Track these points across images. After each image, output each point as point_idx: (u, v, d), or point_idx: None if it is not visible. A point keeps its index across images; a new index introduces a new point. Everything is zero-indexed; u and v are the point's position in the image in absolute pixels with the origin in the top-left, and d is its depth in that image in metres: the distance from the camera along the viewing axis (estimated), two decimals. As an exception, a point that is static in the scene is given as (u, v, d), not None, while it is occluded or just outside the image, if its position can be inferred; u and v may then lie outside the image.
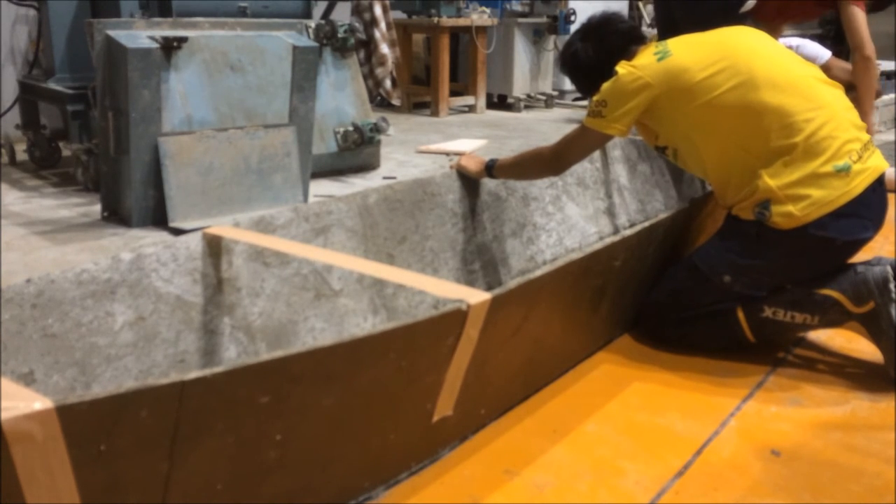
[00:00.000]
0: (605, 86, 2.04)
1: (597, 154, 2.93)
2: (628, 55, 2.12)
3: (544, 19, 6.79)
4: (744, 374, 1.97)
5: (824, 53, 4.30)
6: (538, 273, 1.61)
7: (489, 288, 1.66)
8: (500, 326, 1.55)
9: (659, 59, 2.00)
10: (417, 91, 6.62)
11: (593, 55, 2.18)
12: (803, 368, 2.02)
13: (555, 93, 7.07)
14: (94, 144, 3.49)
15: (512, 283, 1.52)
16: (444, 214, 2.36)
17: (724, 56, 1.97)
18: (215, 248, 1.80)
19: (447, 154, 4.68)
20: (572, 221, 2.76)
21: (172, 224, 3.07)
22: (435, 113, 6.30)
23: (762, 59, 1.98)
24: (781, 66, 2.00)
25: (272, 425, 1.19)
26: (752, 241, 1.96)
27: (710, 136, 1.99)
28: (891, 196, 2.06)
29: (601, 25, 2.21)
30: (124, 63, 2.92)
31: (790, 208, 1.89)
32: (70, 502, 0.99)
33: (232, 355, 1.79)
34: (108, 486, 1.03)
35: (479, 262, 2.45)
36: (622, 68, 2.02)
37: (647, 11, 7.75)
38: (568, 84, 7.45)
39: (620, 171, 3.04)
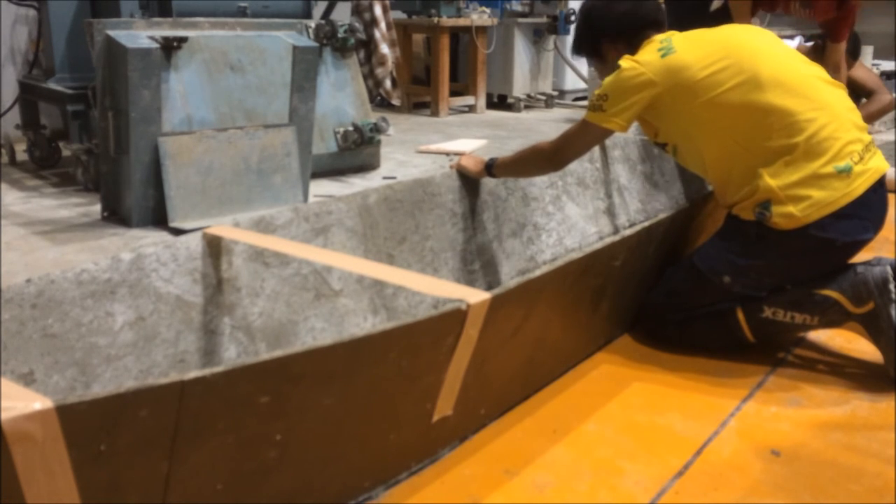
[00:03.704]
0: (607, 80, 2.03)
1: (597, 154, 2.93)
2: (641, 38, 2.12)
3: (544, 19, 6.78)
4: (744, 374, 1.97)
5: None
6: (538, 273, 1.61)
7: (489, 288, 1.66)
8: (500, 326, 1.55)
9: (663, 56, 1.99)
10: (417, 91, 6.61)
11: (616, 16, 2.16)
12: (803, 368, 2.02)
13: (555, 93, 7.07)
14: (94, 144, 3.49)
15: (512, 283, 1.52)
16: (444, 214, 2.36)
17: (728, 54, 1.96)
18: (215, 248, 1.80)
19: (447, 154, 4.68)
20: (572, 221, 2.76)
21: (172, 224, 3.07)
22: (435, 113, 6.30)
23: (767, 58, 1.98)
24: (786, 65, 1.99)
25: (272, 425, 1.19)
26: (752, 241, 1.96)
27: (712, 134, 1.99)
28: (891, 197, 2.06)
29: None
30: (124, 63, 2.92)
31: (791, 209, 1.89)
32: (70, 502, 0.99)
33: (232, 355, 1.79)
34: (108, 486, 1.03)
35: (479, 262, 2.45)
36: (625, 62, 2.01)
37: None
38: (568, 84, 7.39)
39: (620, 171, 3.04)
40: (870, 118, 4.11)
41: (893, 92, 6.03)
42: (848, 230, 1.90)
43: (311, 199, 3.50)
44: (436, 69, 6.24)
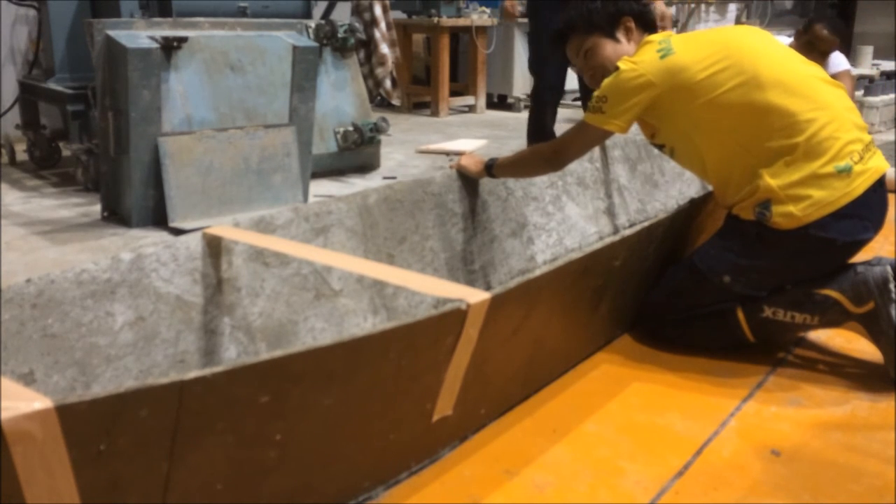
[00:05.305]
0: (607, 81, 2.03)
1: (597, 154, 2.93)
2: (635, 35, 2.13)
3: (544, 19, 6.78)
4: (744, 374, 1.97)
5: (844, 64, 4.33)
6: (538, 273, 1.61)
7: (489, 288, 1.66)
8: (500, 326, 1.55)
9: (662, 57, 1.99)
10: (417, 91, 6.62)
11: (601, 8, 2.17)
12: (803, 368, 2.02)
13: (555, 93, 7.07)
14: (94, 144, 3.49)
15: (512, 283, 1.52)
16: (444, 214, 2.36)
17: (728, 55, 1.96)
18: (215, 248, 1.80)
19: (447, 154, 4.68)
20: (572, 221, 2.76)
21: (172, 224, 3.07)
22: (435, 113, 6.30)
23: (766, 59, 1.97)
24: (786, 65, 1.99)
25: (272, 425, 1.19)
26: (752, 241, 1.96)
27: (711, 134, 1.98)
28: (891, 196, 2.06)
29: None
30: (124, 63, 2.92)
31: (791, 208, 1.88)
32: (70, 502, 0.99)
33: (232, 355, 1.79)
34: (108, 486, 1.03)
35: (479, 262, 2.45)
36: (624, 64, 2.01)
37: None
38: (568, 84, 7.41)
39: (620, 171, 3.04)
40: None
41: (892, 92, 6.04)
42: (848, 230, 1.90)
43: (311, 199, 3.50)
44: (436, 69, 6.24)
